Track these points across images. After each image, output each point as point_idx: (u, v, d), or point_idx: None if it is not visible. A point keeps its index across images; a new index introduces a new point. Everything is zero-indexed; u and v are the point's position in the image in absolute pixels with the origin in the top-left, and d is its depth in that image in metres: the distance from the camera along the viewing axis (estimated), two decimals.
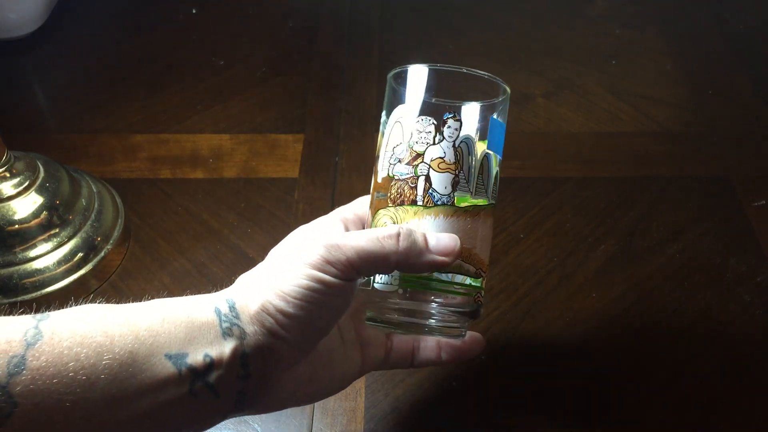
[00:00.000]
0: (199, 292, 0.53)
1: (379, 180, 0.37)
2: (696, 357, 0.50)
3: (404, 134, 0.36)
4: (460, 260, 0.35)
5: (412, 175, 0.35)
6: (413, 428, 0.46)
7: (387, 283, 0.35)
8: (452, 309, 0.36)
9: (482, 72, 0.37)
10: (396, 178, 0.36)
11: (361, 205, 0.39)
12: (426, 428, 0.46)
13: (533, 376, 0.49)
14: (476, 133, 0.36)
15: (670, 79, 0.74)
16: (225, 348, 0.32)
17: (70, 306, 0.31)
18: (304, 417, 0.46)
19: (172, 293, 0.54)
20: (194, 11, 0.83)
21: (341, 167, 0.63)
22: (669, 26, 0.80)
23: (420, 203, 0.35)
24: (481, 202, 0.36)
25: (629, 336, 0.51)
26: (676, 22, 0.81)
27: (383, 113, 0.38)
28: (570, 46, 0.78)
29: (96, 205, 0.56)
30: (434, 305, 0.36)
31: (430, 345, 0.41)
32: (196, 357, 0.31)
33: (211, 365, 0.31)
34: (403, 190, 0.35)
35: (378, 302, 0.36)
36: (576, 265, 0.56)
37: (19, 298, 0.51)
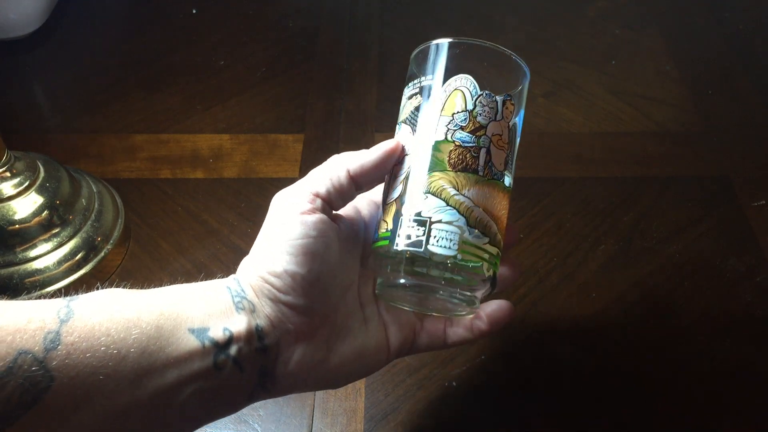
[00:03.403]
0: None
1: (432, 142, 0.35)
2: (696, 357, 0.50)
3: (467, 104, 0.35)
4: (492, 221, 0.35)
5: (475, 144, 0.35)
6: (413, 428, 0.46)
7: (402, 248, 0.34)
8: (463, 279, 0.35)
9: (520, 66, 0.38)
10: (457, 144, 0.35)
11: (333, 166, 0.37)
12: (426, 428, 0.46)
13: (533, 376, 0.49)
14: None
15: (670, 79, 0.74)
16: (240, 322, 0.33)
17: (96, 290, 0.33)
18: (304, 417, 0.46)
19: None
20: (194, 11, 0.83)
21: None
22: (669, 26, 0.80)
23: (480, 173, 0.35)
24: (509, 185, 0.37)
25: (629, 336, 0.51)
26: (676, 22, 0.81)
27: (426, 76, 0.37)
28: (570, 46, 0.78)
29: (96, 205, 0.56)
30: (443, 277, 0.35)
31: (462, 321, 0.40)
32: (217, 331, 0.32)
33: (230, 338, 0.32)
34: (465, 157, 0.35)
35: (387, 270, 0.36)
36: (576, 265, 0.56)
37: (20, 298, 0.51)
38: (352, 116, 0.69)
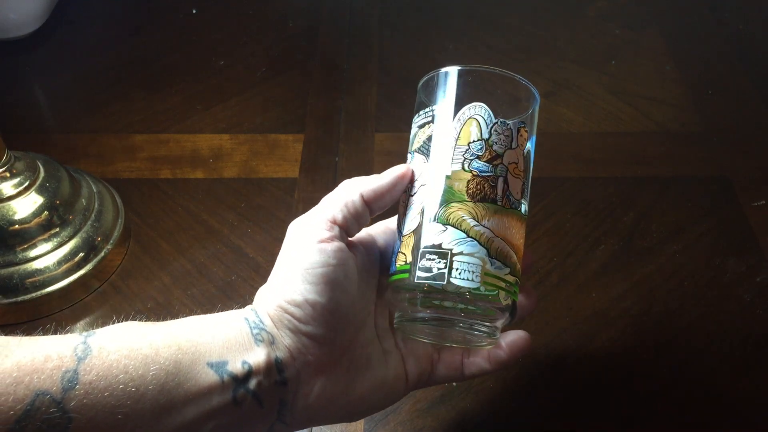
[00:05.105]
0: (199, 292, 0.54)
1: (449, 172, 0.35)
2: (696, 357, 0.50)
3: (482, 132, 0.35)
4: (512, 250, 0.35)
5: (492, 174, 0.35)
6: (413, 428, 0.46)
7: (425, 279, 0.34)
8: (483, 309, 0.35)
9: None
10: (474, 173, 0.35)
11: (346, 191, 0.37)
12: (426, 428, 0.46)
13: (533, 376, 0.49)
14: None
15: (670, 79, 0.74)
16: (259, 354, 0.32)
17: (112, 323, 0.32)
18: None
19: (172, 293, 0.54)
20: (194, 11, 0.83)
21: (341, 167, 0.63)
22: (669, 26, 0.80)
23: (499, 203, 0.35)
24: (526, 213, 0.37)
25: (629, 336, 0.51)
26: (676, 22, 0.81)
27: (437, 104, 0.37)
28: (570, 46, 0.78)
29: (96, 205, 0.56)
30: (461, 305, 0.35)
31: (480, 352, 0.39)
32: (236, 365, 0.32)
33: (249, 372, 0.32)
34: (484, 187, 0.35)
35: (407, 304, 0.35)
36: (576, 265, 0.56)
37: (20, 298, 0.51)
38: (352, 116, 0.69)
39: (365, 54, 0.77)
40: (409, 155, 0.38)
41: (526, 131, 0.37)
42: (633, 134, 0.68)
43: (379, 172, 0.37)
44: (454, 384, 0.48)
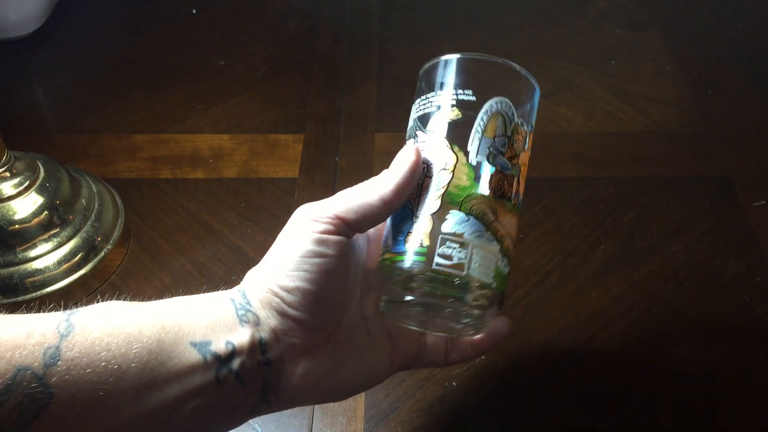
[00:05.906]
0: (199, 292, 0.54)
1: (474, 162, 0.35)
2: (696, 357, 0.50)
3: (506, 129, 0.36)
4: (512, 248, 0.35)
5: (510, 172, 0.35)
6: (413, 428, 0.46)
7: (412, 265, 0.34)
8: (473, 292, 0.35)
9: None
10: (498, 169, 0.35)
11: (365, 193, 0.36)
12: (426, 428, 0.46)
13: (533, 376, 0.49)
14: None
15: (670, 79, 0.74)
16: (244, 335, 0.32)
17: (96, 302, 0.32)
18: (304, 417, 0.46)
19: (172, 293, 0.54)
20: (194, 11, 0.83)
21: (341, 167, 0.63)
22: (669, 26, 0.80)
23: (512, 201, 0.35)
24: None
25: (629, 336, 0.51)
26: (676, 22, 0.81)
27: (457, 88, 0.36)
28: (570, 46, 0.78)
29: (96, 205, 0.56)
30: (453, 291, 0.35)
31: (464, 339, 0.40)
32: (219, 344, 0.32)
33: (233, 352, 0.32)
34: (503, 184, 0.35)
35: (393, 285, 0.35)
36: (576, 265, 0.56)
37: (20, 298, 0.51)
38: (352, 116, 0.69)
39: (365, 54, 0.77)
40: (420, 132, 0.37)
41: (531, 135, 0.37)
42: (633, 134, 0.68)
43: (378, 172, 0.36)
44: (454, 384, 0.48)
